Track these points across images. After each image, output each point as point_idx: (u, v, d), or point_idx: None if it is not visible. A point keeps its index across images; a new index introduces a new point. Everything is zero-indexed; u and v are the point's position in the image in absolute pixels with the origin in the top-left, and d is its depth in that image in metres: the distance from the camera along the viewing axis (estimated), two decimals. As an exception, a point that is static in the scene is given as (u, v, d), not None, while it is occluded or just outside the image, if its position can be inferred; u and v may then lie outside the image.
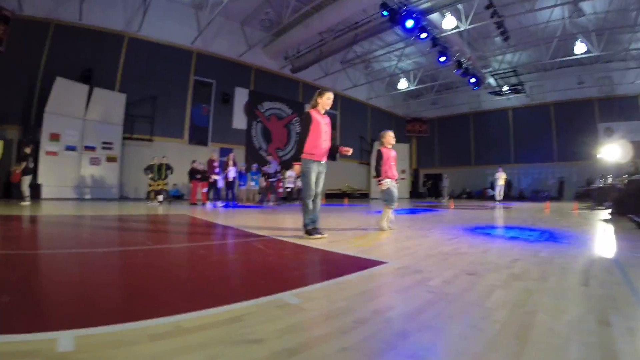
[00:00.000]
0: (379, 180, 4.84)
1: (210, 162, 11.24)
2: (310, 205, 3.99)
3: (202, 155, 16.04)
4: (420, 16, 13.42)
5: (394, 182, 4.97)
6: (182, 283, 2.10)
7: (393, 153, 5.06)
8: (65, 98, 12.30)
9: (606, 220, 6.61)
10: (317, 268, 2.67)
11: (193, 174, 11.40)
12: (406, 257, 2.92)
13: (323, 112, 4.18)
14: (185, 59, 16.60)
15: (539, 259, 2.87)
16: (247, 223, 5.81)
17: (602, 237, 4.31)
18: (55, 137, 12.19)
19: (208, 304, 1.65)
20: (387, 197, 4.86)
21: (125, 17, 14.55)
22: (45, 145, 11.85)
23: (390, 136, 5.01)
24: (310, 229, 3.95)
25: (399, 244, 3.68)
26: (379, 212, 5.31)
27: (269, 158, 17.95)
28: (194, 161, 11.55)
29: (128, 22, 14.58)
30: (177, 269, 2.49)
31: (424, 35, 13.89)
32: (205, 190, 11.60)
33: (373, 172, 4.97)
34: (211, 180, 11.35)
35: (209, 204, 11.17)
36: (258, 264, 2.64)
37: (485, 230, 5.01)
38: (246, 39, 18.15)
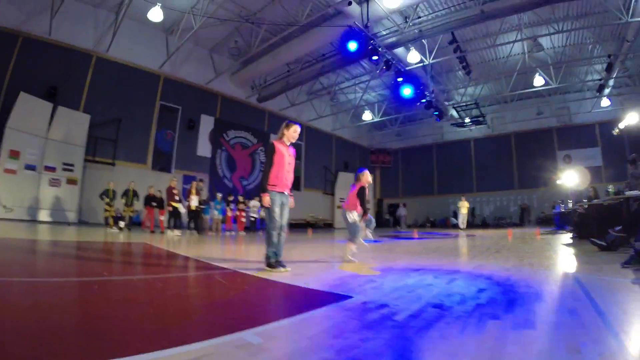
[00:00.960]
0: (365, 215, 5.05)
1: (170, 189, 10.88)
2: (275, 238, 3.89)
3: (164, 182, 15.71)
4: (385, 50, 13.98)
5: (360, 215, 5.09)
6: (138, 320, 1.95)
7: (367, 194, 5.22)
8: (28, 115, 11.80)
9: (568, 244, 6.88)
10: (279, 304, 2.58)
11: (148, 200, 11.01)
12: (371, 290, 2.87)
13: (288, 143, 4.17)
14: (152, 82, 16.36)
15: (504, 287, 2.90)
16: (208, 254, 5.62)
17: (566, 262, 4.44)
18: (15, 155, 11.58)
19: (165, 344, 1.53)
20: (357, 232, 4.96)
21: (95, 35, 14.29)
22: (5, 162, 11.18)
23: (368, 175, 5.19)
24: (273, 262, 3.83)
25: (362, 278, 3.62)
26: (344, 241, 5.30)
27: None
28: (150, 187, 11.17)
29: (97, 41, 14.30)
30: (132, 304, 2.32)
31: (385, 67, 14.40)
32: (162, 217, 11.18)
33: (358, 214, 5.05)
34: (169, 208, 10.96)
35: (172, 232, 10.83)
36: (218, 300, 2.52)
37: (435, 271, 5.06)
38: (214, 66, 18.19)
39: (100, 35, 14.30)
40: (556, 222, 14.92)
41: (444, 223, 25.48)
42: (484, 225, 23.65)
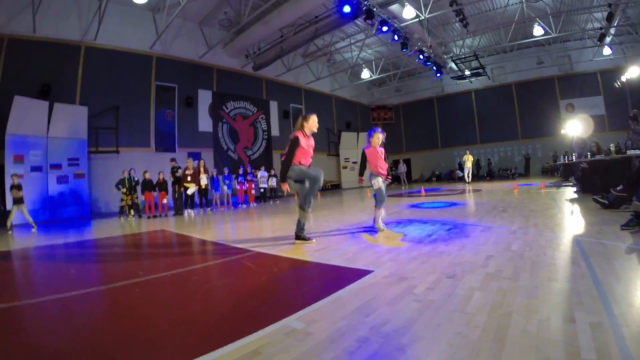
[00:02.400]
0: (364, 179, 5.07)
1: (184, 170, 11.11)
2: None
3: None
4: (379, 9, 13.65)
5: (385, 180, 5.13)
6: (190, 320, 2.15)
7: (382, 153, 5.16)
8: (26, 117, 11.76)
9: (572, 200, 7.08)
10: (310, 285, 2.83)
11: (145, 186, 11.18)
12: (389, 263, 3.15)
13: (309, 133, 4.36)
14: (145, 64, 16.13)
15: (510, 253, 3.16)
16: (229, 235, 5.93)
17: (569, 223, 4.61)
18: (19, 159, 11.72)
19: (222, 340, 1.78)
20: (378, 198, 5.05)
21: (80, 26, 13.93)
22: (10, 168, 11.32)
23: (377, 137, 5.11)
24: (305, 235, 4.24)
25: (379, 248, 3.90)
26: (358, 206, 5.52)
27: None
28: (145, 172, 11.33)
29: (84, 31, 13.93)
30: (177, 303, 2.53)
31: (385, 28, 14.13)
32: (165, 201, 11.38)
33: (382, 179, 5.08)
34: (182, 189, 11.22)
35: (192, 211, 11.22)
36: (254, 287, 2.78)
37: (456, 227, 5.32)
38: (206, 39, 17.85)
39: (86, 25, 13.92)
40: (560, 173, 15.17)
41: (450, 176, 25.76)
42: (490, 176, 23.88)
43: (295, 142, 4.20)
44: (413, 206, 8.40)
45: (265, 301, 2.40)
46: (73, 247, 5.69)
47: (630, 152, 6.66)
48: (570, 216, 5.17)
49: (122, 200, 11.10)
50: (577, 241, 3.44)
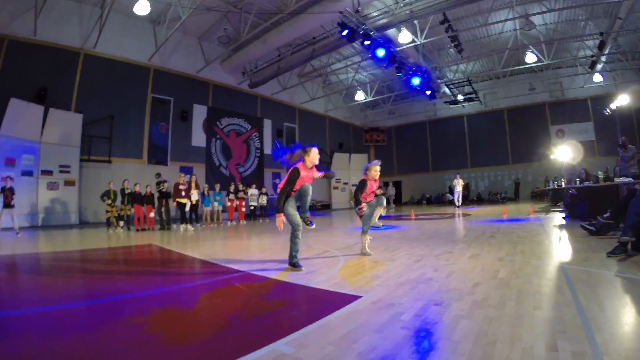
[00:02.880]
0: (359, 208, 5.04)
1: (176, 185, 11.06)
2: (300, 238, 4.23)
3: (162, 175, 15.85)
4: (380, 36, 14.00)
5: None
6: (180, 342, 2.17)
7: (376, 185, 5.27)
8: (20, 120, 11.82)
9: (560, 227, 7.21)
10: (299, 309, 2.84)
11: (134, 198, 11.12)
12: (378, 288, 3.18)
13: (311, 166, 4.36)
14: (142, 75, 16.30)
15: (497, 281, 3.22)
16: (219, 253, 5.93)
17: (556, 250, 4.70)
18: (10, 163, 11.69)
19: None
20: (364, 224, 5.15)
21: (81, 32, 14.11)
22: (1, 170, 11.24)
23: (375, 170, 5.18)
24: (296, 262, 4.18)
25: (368, 272, 3.93)
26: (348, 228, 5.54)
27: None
28: (135, 184, 11.28)
29: (84, 38, 14.12)
30: (166, 324, 2.54)
31: (381, 53, 14.44)
32: (152, 215, 11.31)
33: (351, 201, 5.22)
34: (174, 204, 11.16)
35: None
36: (244, 309, 2.79)
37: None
38: (204, 54, 18.09)
39: (87, 32, 14.11)
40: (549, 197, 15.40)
41: (440, 199, 25.97)
42: (479, 200, 24.13)
43: (295, 174, 4.21)
44: (403, 229, 8.47)
45: (255, 324, 2.41)
46: (60, 259, 5.63)
47: (617, 180, 6.84)
48: (558, 243, 5.26)
49: (107, 211, 10.94)
50: (563, 269, 3.52)
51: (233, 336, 2.22)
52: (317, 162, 4.41)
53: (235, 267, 4.52)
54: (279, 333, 2.18)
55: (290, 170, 4.26)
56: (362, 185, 5.14)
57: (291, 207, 4.24)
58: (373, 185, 5.20)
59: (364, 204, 5.08)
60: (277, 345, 2.00)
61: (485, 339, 1.98)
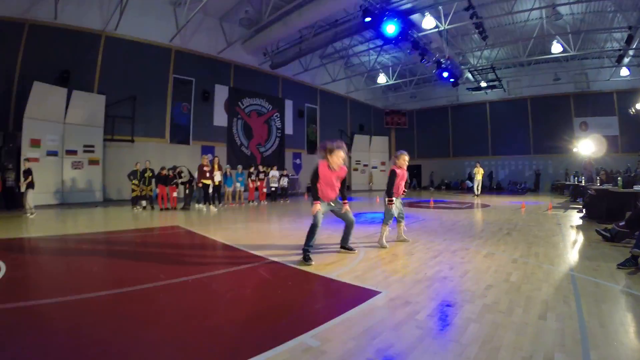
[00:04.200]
0: (390, 201, 5.19)
1: (200, 167, 11.40)
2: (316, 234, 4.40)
3: (183, 154, 16.26)
4: (403, 18, 13.77)
5: (398, 199, 5.43)
6: (215, 331, 2.40)
7: (405, 174, 5.42)
8: (44, 102, 12.15)
9: (576, 228, 7.20)
10: (323, 302, 3.08)
11: (159, 179, 11.54)
12: (396, 284, 3.39)
13: (334, 166, 4.40)
14: (164, 56, 16.48)
15: (508, 285, 3.38)
16: (243, 238, 6.19)
17: (569, 255, 4.72)
18: (36, 143, 12.12)
19: (246, 354, 2.01)
20: (386, 216, 5.29)
21: (101, 15, 14.27)
22: (27, 151, 11.71)
23: (403, 158, 5.32)
24: (308, 255, 4.28)
25: (387, 266, 4.13)
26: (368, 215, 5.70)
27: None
28: (162, 168, 11.65)
29: (105, 20, 14.29)
30: (201, 312, 2.76)
31: (391, 29, 14.14)
32: (175, 194, 11.71)
33: (383, 194, 5.35)
34: (199, 185, 11.54)
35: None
36: (271, 300, 3.03)
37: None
38: (225, 35, 18.08)
39: (107, 14, 14.27)
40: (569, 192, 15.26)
41: (459, 186, 25.85)
42: (499, 189, 23.90)
43: (315, 173, 4.40)
44: (421, 220, 8.63)
45: (283, 316, 2.65)
46: (87, 242, 5.92)
47: (636, 188, 6.77)
48: (571, 247, 5.27)
49: (133, 190, 11.36)
50: (573, 277, 3.61)
51: (264, 327, 2.45)
52: (338, 165, 4.42)
53: (260, 254, 4.79)
54: (306, 326, 2.42)
55: (314, 168, 4.44)
56: (392, 176, 5.25)
57: (321, 204, 4.42)
58: (404, 175, 5.33)
59: (394, 198, 5.23)
60: (304, 338, 2.23)
61: (490, 344, 2.16)
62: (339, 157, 4.35)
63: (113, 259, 4.74)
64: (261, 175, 14.52)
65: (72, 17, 13.51)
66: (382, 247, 5.15)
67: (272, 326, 2.47)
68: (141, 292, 3.23)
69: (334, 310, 2.74)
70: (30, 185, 9.37)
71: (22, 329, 2.40)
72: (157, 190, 11.62)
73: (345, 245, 4.86)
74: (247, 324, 2.52)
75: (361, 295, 3.11)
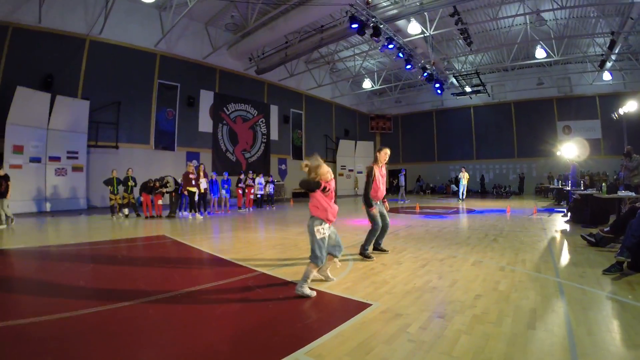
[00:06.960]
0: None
1: (186, 174, 11.27)
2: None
3: (168, 161, 16.06)
4: (386, 25, 13.95)
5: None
6: (207, 351, 2.34)
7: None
8: (27, 108, 11.92)
9: (562, 232, 7.34)
10: (314, 316, 3.03)
11: (144, 188, 11.36)
12: (386, 296, 3.40)
13: (381, 165, 5.22)
14: (149, 62, 16.33)
15: (497, 294, 3.41)
16: (229, 249, 6.15)
17: (555, 262, 4.79)
18: (18, 149, 11.87)
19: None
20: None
21: (86, 19, 14.09)
22: (9, 158, 11.44)
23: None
24: (369, 253, 5.07)
25: (376, 277, 4.13)
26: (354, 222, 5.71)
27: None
28: (149, 180, 11.49)
29: (89, 24, 14.12)
30: (192, 330, 2.69)
31: (390, 45, 14.45)
32: (160, 202, 11.54)
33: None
34: (185, 192, 11.41)
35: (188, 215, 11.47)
36: (263, 315, 2.98)
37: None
38: (211, 40, 18.04)
39: (92, 18, 14.10)
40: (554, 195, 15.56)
41: (444, 190, 26.16)
42: (483, 192, 24.24)
43: (371, 173, 5.10)
44: (408, 226, 8.68)
45: (275, 332, 2.62)
46: (69, 254, 5.76)
47: (620, 194, 6.95)
48: (557, 253, 5.34)
49: (110, 199, 11.07)
50: (560, 285, 3.67)
51: (257, 345, 2.42)
52: (385, 162, 5.30)
53: (250, 265, 4.74)
54: (299, 342, 2.39)
55: (367, 169, 5.19)
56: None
57: (376, 209, 5.12)
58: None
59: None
60: (298, 355, 2.21)
61: (482, 355, 2.19)
62: (386, 153, 5.21)
63: (98, 273, 4.59)
64: (249, 182, 14.44)
65: (56, 20, 13.33)
66: (368, 258, 4.99)
67: (265, 343, 2.44)
68: (127, 309, 3.15)
69: (326, 325, 2.72)
70: (2, 194, 8.83)
71: None
72: (142, 199, 11.44)
73: (378, 247, 5.42)
74: (240, 342, 2.49)
75: (352, 308, 3.11)
